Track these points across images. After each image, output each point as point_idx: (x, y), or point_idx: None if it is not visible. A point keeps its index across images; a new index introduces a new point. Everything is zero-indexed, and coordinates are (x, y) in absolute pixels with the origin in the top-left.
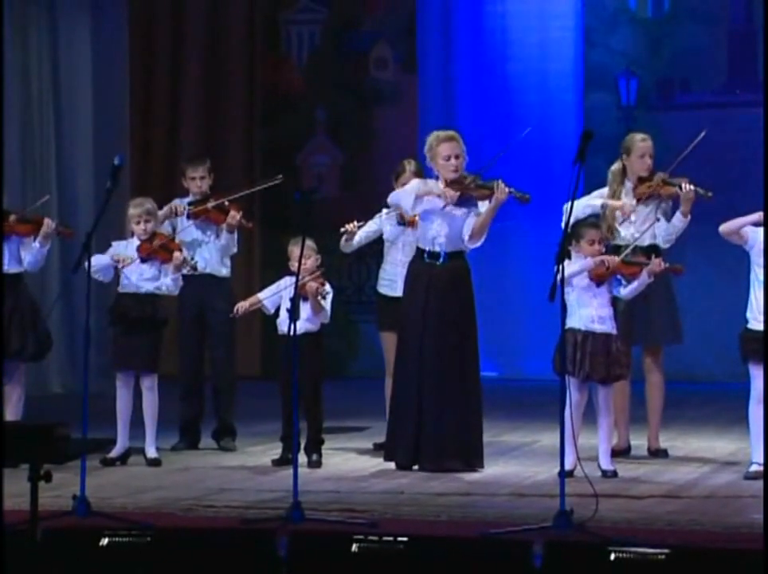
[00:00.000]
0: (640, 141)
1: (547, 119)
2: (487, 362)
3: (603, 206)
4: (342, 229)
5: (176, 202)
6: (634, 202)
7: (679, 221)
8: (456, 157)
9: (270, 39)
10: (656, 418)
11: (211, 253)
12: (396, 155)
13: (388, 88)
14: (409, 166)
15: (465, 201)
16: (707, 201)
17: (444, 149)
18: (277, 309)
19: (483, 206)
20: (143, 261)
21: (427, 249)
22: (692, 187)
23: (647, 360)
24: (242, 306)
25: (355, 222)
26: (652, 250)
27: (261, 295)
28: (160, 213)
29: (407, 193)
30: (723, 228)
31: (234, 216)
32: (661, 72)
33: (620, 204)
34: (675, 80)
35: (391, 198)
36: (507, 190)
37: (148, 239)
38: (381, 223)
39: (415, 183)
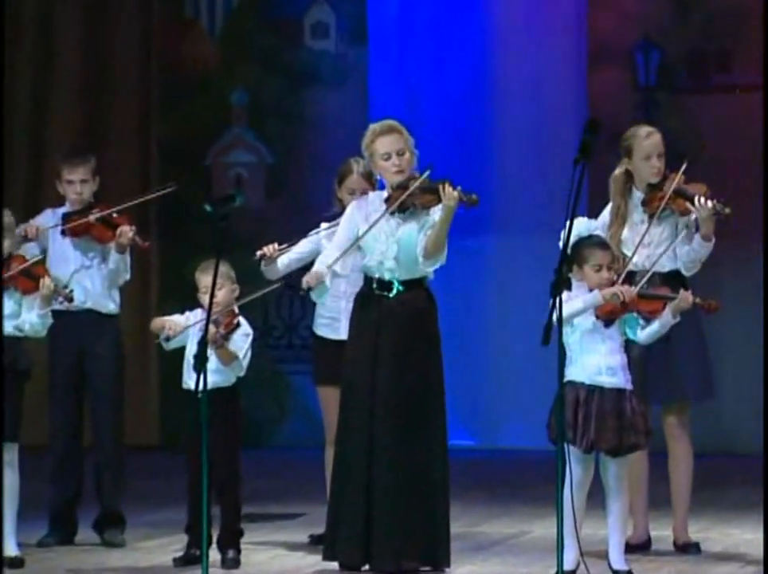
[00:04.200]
0: (644, 138)
1: (541, 104)
2: (460, 427)
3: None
4: (259, 253)
5: (44, 216)
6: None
7: (700, 245)
8: (399, 153)
9: None
10: (684, 502)
11: (94, 282)
12: (340, 151)
13: (329, 63)
14: (357, 166)
15: (414, 210)
16: (724, 220)
17: (382, 145)
18: (181, 353)
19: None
20: None
21: (375, 276)
22: (709, 203)
23: (670, 424)
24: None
25: (276, 245)
26: (676, 279)
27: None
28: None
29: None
30: None
31: (126, 232)
32: (691, 44)
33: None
34: (710, 55)
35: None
36: (455, 193)
37: (4, 263)
38: (319, 242)
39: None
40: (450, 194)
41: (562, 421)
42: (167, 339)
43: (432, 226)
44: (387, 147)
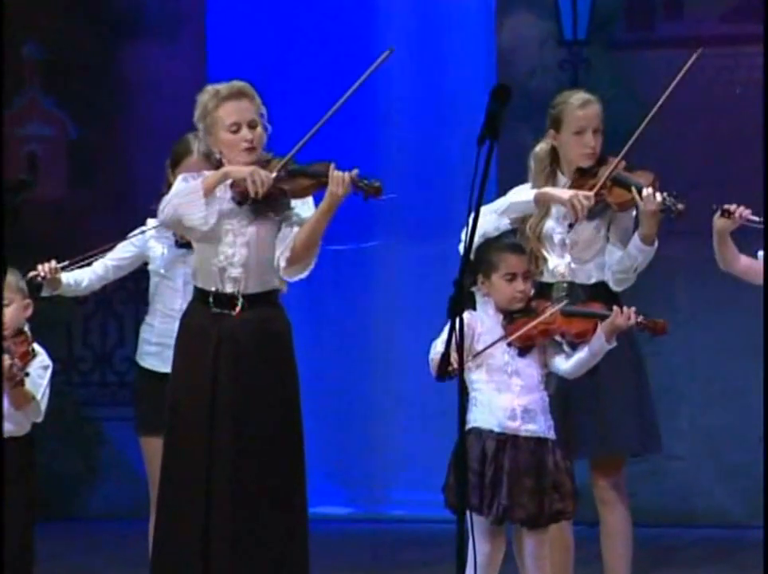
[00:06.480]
0: (578, 107)
1: (435, 65)
2: (332, 490)
3: (537, 200)
4: (31, 274)
5: None
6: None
7: (639, 250)
8: (251, 125)
9: None
10: None
11: None
12: (171, 123)
13: (154, 9)
14: (198, 143)
15: (273, 201)
16: (675, 218)
17: (228, 113)
18: None
19: (305, 209)
20: None
21: (212, 289)
22: (658, 195)
23: (600, 486)
24: None
25: (53, 263)
26: (605, 293)
27: None
28: None
29: (192, 193)
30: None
31: None
32: None
33: (567, 196)
34: None
35: (165, 212)
36: (347, 178)
37: None
38: (144, 245)
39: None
40: (340, 178)
41: (463, 481)
42: None
43: (296, 222)
44: (236, 116)
